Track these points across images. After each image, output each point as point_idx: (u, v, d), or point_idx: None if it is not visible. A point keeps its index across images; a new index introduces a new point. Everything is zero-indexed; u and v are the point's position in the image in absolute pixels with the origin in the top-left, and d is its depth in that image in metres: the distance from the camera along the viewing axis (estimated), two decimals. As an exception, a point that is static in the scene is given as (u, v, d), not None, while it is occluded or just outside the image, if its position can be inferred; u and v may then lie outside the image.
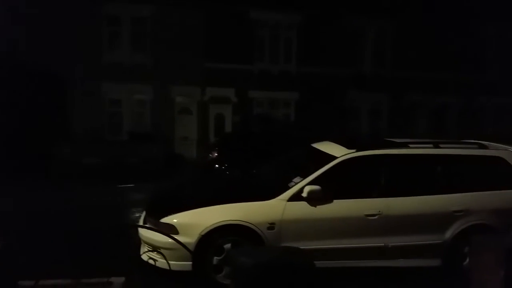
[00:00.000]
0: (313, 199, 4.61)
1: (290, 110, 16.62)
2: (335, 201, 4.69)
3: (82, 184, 10.77)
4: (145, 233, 4.85)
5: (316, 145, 5.76)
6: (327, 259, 4.66)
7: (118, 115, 15.52)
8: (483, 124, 17.63)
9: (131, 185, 11.17)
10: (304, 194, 4.60)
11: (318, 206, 4.63)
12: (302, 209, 4.61)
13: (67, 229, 6.64)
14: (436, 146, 5.20)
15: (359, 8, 16.05)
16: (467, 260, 4.84)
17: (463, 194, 4.94)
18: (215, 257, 4.52)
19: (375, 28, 16.90)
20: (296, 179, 4.86)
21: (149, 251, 4.76)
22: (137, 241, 5.13)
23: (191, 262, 4.49)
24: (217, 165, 10.26)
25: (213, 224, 4.46)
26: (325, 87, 16.27)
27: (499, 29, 17.22)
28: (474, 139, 5.73)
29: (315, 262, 4.53)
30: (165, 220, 4.62)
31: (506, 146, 5.47)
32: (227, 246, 4.52)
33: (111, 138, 15.01)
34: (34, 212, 7.68)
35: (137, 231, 5.11)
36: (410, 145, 5.20)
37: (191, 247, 4.45)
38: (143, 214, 5.34)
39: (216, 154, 10.44)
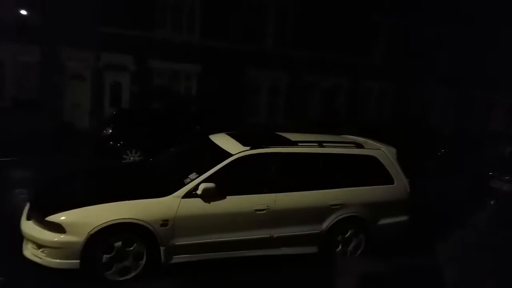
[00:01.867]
0: (207, 196, 4.79)
1: (192, 83, 16.44)
2: (228, 197, 4.92)
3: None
4: (28, 230, 4.60)
5: (213, 138, 5.89)
6: (218, 250, 4.97)
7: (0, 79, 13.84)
8: (369, 105, 19.54)
9: (14, 158, 10.23)
10: (199, 192, 4.75)
11: (212, 202, 4.82)
12: (196, 205, 4.77)
13: None
14: (321, 145, 5.69)
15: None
16: (339, 247, 5.56)
17: (340, 189, 5.53)
18: (105, 255, 4.50)
19: (278, 5, 17.24)
20: (192, 175, 4.96)
21: (34, 248, 4.55)
22: (19, 236, 4.83)
23: (79, 260, 4.41)
24: (111, 142, 9.88)
25: (103, 223, 4.40)
26: (227, 62, 16.36)
27: (390, 16, 18.81)
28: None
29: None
30: (51, 218, 4.42)
31: (379, 145, 6.15)
32: (118, 244, 4.53)
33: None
34: None
35: (18, 226, 4.81)
36: (299, 144, 5.62)
37: (79, 246, 4.37)
38: (27, 207, 5.02)
39: (110, 131, 10.01)
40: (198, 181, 4.83)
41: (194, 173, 5.01)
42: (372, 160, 5.85)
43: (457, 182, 10.23)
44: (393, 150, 6.12)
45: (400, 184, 5.86)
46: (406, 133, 12.44)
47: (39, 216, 4.56)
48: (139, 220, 4.53)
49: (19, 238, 4.78)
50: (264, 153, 5.30)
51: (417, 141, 11.77)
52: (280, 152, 5.39)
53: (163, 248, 4.68)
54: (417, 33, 18.89)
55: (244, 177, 5.27)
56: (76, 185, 5.45)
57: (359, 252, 5.65)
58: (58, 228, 4.38)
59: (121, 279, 4.58)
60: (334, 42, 17.51)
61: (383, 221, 5.73)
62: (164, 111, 12.35)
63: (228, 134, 6.00)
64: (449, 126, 18.50)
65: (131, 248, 4.59)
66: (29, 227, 4.62)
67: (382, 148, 6.05)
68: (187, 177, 4.99)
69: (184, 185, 4.84)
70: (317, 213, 5.38)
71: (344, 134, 6.93)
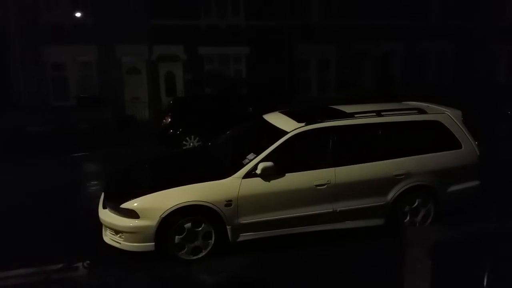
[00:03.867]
0: (267, 175, 4.85)
1: (241, 65, 16.50)
2: (287, 174, 4.96)
3: (30, 156, 10.43)
4: (106, 218, 4.95)
5: (267, 118, 5.92)
6: (281, 227, 5.04)
7: (63, 80, 14.79)
8: (426, 69, 18.44)
9: (85, 153, 10.97)
10: (258, 171, 4.82)
11: (271, 181, 4.88)
12: (256, 185, 4.85)
13: (22, 211, 6.57)
14: (379, 114, 5.51)
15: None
16: (407, 218, 5.42)
17: (404, 158, 5.34)
18: (177, 236, 4.75)
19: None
20: (250, 156, 5.04)
21: (112, 234, 4.91)
22: (99, 223, 5.21)
23: (153, 243, 4.69)
24: (171, 131, 10.28)
25: (172, 207, 4.63)
26: (274, 40, 16.19)
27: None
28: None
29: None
30: (125, 205, 4.72)
31: (444, 109, 5.84)
32: (188, 225, 4.75)
33: (58, 104, 14.39)
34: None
35: (97, 214, 5.19)
36: (355, 115, 5.48)
37: (153, 229, 4.64)
38: (102, 197, 5.40)
39: (169, 120, 10.39)
40: (257, 161, 4.90)
41: (252, 153, 5.08)
42: (436, 125, 5.58)
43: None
44: (458, 112, 5.80)
45: (468, 148, 5.56)
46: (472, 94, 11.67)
47: (114, 204, 4.88)
48: (205, 201, 4.71)
49: (99, 225, 5.17)
50: (320, 128, 5.24)
51: (484, 101, 11.03)
52: (336, 126, 5.29)
53: (229, 227, 4.84)
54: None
55: (302, 153, 5.27)
56: (144, 173, 5.76)
57: (428, 221, 5.47)
58: (132, 214, 4.67)
59: (193, 258, 4.82)
60: (382, 6, 16.63)
61: (453, 188, 5.50)
62: (217, 96, 12.56)
63: (282, 112, 5.99)
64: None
65: (200, 229, 4.79)
66: (106, 215, 4.97)
67: (446, 112, 5.75)
68: (245, 158, 5.07)
69: (243, 166, 4.93)
70: (380, 185, 5.25)
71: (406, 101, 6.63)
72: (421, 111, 5.74)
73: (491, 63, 18.73)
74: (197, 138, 10.18)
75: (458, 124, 5.66)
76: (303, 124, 5.23)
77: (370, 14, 16.55)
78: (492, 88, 14.07)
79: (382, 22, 16.82)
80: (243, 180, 4.85)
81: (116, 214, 4.82)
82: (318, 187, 5.03)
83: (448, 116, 5.68)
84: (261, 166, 4.82)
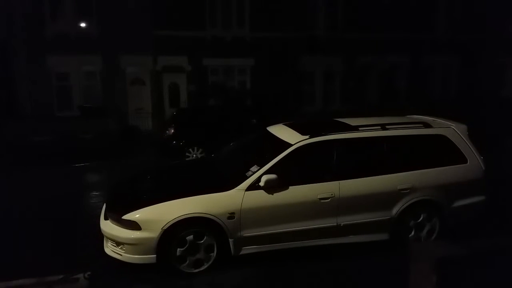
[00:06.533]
0: (270, 188, 4.81)
1: (246, 77, 16.56)
2: (290, 187, 4.91)
3: (33, 165, 10.41)
4: (107, 229, 4.90)
5: (271, 130, 5.91)
6: (286, 240, 4.98)
7: (67, 89, 14.86)
8: (432, 82, 18.41)
9: (87, 163, 10.94)
10: (261, 184, 4.77)
11: (275, 194, 4.84)
12: (260, 197, 4.81)
13: (24, 221, 6.54)
14: (384, 128, 5.47)
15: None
16: (412, 233, 5.34)
17: (409, 172, 5.28)
18: (179, 249, 4.69)
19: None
20: (253, 168, 5.01)
21: (113, 246, 4.86)
22: (100, 234, 5.16)
23: (155, 255, 4.64)
24: (174, 142, 10.26)
25: (174, 218, 4.59)
26: (279, 52, 16.25)
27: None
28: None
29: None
30: (127, 216, 4.68)
31: (449, 123, 5.80)
32: (190, 237, 4.69)
33: (61, 114, 14.44)
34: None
35: (98, 225, 5.14)
36: (360, 128, 5.45)
37: (155, 241, 4.59)
38: (104, 208, 5.36)
39: (172, 131, 10.38)
40: (260, 173, 4.86)
41: (255, 165, 5.05)
42: (441, 140, 5.53)
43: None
44: (464, 127, 5.76)
45: (474, 162, 5.50)
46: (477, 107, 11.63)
47: (116, 215, 4.84)
48: (207, 214, 4.66)
49: (100, 236, 5.12)
50: (324, 141, 5.20)
51: (491, 115, 10.97)
52: (341, 139, 5.26)
53: (232, 240, 4.78)
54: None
55: (306, 166, 5.23)
56: (146, 184, 5.73)
57: (433, 237, 5.39)
58: (134, 225, 4.63)
59: (195, 271, 4.75)
60: (388, 19, 16.70)
61: (458, 203, 5.42)
62: (221, 107, 12.56)
63: (286, 125, 5.97)
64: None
65: (202, 241, 4.73)
66: (107, 226, 4.93)
67: (452, 126, 5.71)
68: (248, 170, 5.04)
69: (246, 178, 4.89)
70: (385, 199, 5.19)
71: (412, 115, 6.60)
72: (427, 125, 5.70)
73: (497, 77, 18.69)
74: (200, 150, 10.14)
75: (464, 138, 5.61)
76: (307, 136, 5.20)
77: (375, 27, 16.60)
78: (498, 102, 14.01)
79: (388, 35, 16.86)
80: (246, 192, 4.80)
81: (118, 226, 4.78)
82: (321, 201, 4.98)
83: (453, 131, 5.63)
84: (264, 178, 4.78)
